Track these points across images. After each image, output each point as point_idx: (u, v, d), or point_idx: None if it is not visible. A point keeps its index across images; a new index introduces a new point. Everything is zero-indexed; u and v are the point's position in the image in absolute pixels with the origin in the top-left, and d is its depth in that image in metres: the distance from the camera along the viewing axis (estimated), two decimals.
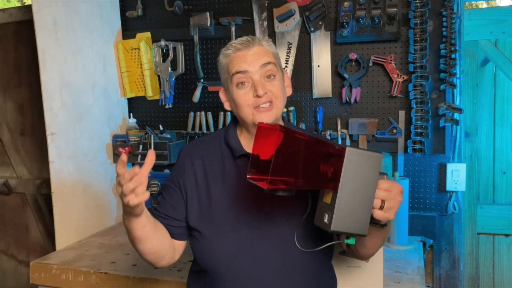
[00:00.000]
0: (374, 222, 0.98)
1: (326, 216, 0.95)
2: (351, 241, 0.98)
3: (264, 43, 1.17)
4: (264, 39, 1.19)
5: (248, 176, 0.94)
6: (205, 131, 2.19)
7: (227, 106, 1.21)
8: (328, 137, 1.99)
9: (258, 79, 1.12)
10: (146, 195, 0.97)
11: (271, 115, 1.12)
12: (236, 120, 1.24)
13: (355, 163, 0.93)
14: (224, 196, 1.15)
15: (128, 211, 1.02)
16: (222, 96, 1.22)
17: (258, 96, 1.11)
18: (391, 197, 0.96)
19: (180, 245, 1.22)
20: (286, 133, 0.88)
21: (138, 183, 0.95)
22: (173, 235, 1.20)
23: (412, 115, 1.87)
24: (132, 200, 0.96)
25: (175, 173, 1.24)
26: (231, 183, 1.16)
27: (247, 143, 1.19)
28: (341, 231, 0.94)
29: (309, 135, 0.93)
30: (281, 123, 1.23)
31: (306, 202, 1.06)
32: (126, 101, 2.35)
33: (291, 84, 1.27)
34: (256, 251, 1.10)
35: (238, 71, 1.12)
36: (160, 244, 1.15)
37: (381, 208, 0.95)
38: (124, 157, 0.96)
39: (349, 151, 0.92)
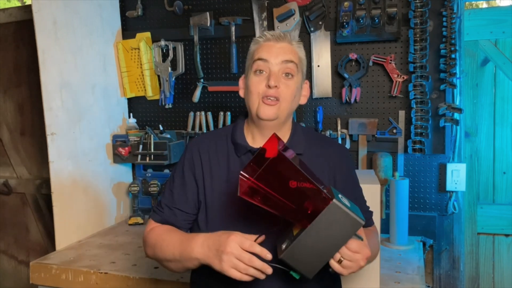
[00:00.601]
0: (328, 268, 1.00)
1: (285, 244, 0.98)
2: (296, 275, 1.00)
3: (295, 43, 1.19)
4: (296, 40, 1.20)
5: (241, 171, 0.96)
6: (205, 131, 2.19)
7: (241, 93, 1.23)
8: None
9: (276, 71, 1.13)
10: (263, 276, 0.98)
11: (273, 110, 1.13)
12: (245, 116, 1.25)
13: (334, 217, 0.93)
14: (226, 191, 1.16)
15: (211, 265, 1.02)
16: (241, 83, 1.24)
17: (269, 87, 1.12)
18: (354, 258, 0.98)
19: None
20: (280, 157, 0.91)
21: (260, 276, 0.97)
22: (185, 230, 1.22)
23: (412, 115, 1.87)
24: (245, 278, 0.97)
25: (186, 165, 1.22)
26: (235, 179, 1.16)
27: (252, 139, 1.20)
28: (289, 263, 0.96)
29: (306, 169, 0.95)
30: (289, 125, 1.23)
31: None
32: (126, 101, 2.35)
33: (309, 92, 1.27)
34: None
35: (260, 58, 1.14)
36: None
37: (339, 262, 0.98)
38: (264, 252, 0.97)
39: (333, 205, 0.92)
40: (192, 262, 1.07)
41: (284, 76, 1.14)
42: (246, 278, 0.97)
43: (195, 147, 1.23)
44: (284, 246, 0.97)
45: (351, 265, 0.98)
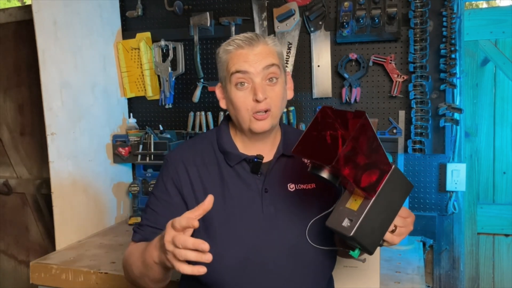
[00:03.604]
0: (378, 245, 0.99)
1: (347, 221, 0.93)
2: (355, 254, 0.98)
3: (270, 41, 1.09)
4: (269, 37, 1.10)
5: (294, 151, 0.92)
6: (205, 131, 2.19)
7: (222, 104, 1.13)
8: None
9: (259, 82, 1.04)
10: (203, 270, 0.81)
11: (267, 123, 1.06)
12: (228, 120, 1.17)
13: (394, 183, 0.95)
14: (225, 205, 1.07)
15: (166, 265, 0.88)
16: (218, 92, 1.14)
17: (257, 101, 1.04)
18: (405, 224, 0.98)
19: None
20: (367, 122, 0.86)
21: (200, 259, 0.80)
22: None
23: (412, 115, 1.87)
24: (185, 269, 0.82)
25: (170, 182, 1.11)
26: (231, 191, 1.08)
27: (243, 146, 1.13)
28: (357, 240, 0.92)
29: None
30: (278, 126, 1.17)
31: (311, 206, 1.05)
32: (126, 101, 2.35)
33: (293, 84, 1.21)
34: (264, 259, 1.04)
35: (238, 71, 1.04)
36: (168, 280, 1.06)
37: (392, 232, 0.96)
38: (195, 224, 0.81)
39: (395, 170, 0.94)
40: (154, 269, 0.95)
41: (269, 82, 1.06)
42: (198, 270, 0.80)
43: (179, 160, 1.11)
44: (347, 224, 0.92)
45: (404, 231, 0.98)
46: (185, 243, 0.80)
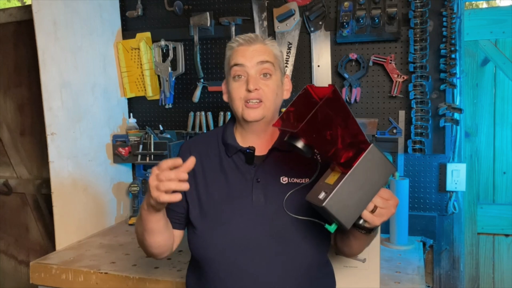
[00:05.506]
0: (359, 225, 1.01)
1: (323, 194, 0.98)
2: (331, 228, 1.01)
3: (268, 42, 1.21)
4: (269, 39, 1.23)
5: (274, 124, 1.01)
6: (205, 131, 2.19)
7: (225, 97, 1.26)
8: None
9: (253, 74, 1.16)
10: (179, 197, 0.99)
11: (258, 112, 1.16)
12: (235, 118, 1.27)
13: (372, 161, 0.98)
14: (220, 190, 1.18)
15: (151, 204, 1.04)
16: (224, 87, 1.27)
17: (249, 91, 1.14)
18: (386, 205, 1.00)
19: (178, 234, 1.26)
20: (337, 94, 0.91)
21: (179, 187, 0.97)
22: (173, 225, 1.24)
23: (412, 115, 1.87)
24: (163, 197, 0.98)
25: None
26: (228, 178, 1.19)
27: (242, 139, 1.23)
28: (329, 211, 0.96)
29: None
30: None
31: (301, 197, 1.08)
32: (126, 101, 2.35)
33: (291, 86, 1.29)
34: (249, 243, 1.12)
35: (236, 64, 1.17)
36: (167, 238, 1.20)
37: (372, 212, 0.99)
38: (179, 161, 0.98)
39: (372, 148, 0.97)
40: (146, 218, 1.10)
41: (262, 76, 1.17)
42: (174, 198, 0.98)
43: (187, 150, 1.27)
44: (322, 196, 0.97)
45: (384, 212, 1.00)
46: (168, 175, 0.96)
